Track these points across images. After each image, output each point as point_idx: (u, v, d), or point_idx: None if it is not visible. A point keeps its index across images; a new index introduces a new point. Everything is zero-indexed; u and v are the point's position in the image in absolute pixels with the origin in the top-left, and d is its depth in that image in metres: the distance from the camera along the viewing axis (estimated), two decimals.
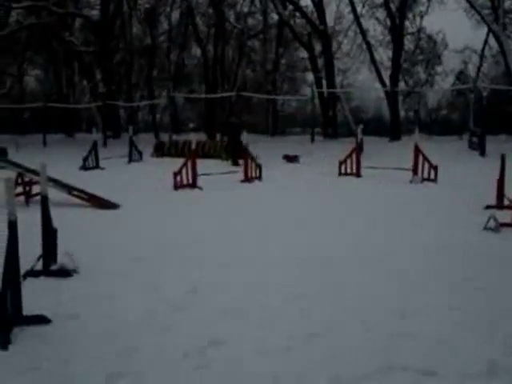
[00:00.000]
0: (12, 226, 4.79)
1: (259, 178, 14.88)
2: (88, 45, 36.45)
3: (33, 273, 6.12)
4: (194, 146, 14.15)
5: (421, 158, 14.43)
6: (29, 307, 4.97)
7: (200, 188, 13.43)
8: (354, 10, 32.46)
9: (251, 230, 8.96)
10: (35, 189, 11.40)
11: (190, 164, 13.65)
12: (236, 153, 18.51)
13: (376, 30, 34.98)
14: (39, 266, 6.28)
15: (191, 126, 42.48)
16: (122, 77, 38.55)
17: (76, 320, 5.08)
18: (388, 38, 33.45)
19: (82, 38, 38.58)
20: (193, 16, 35.26)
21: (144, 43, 39.24)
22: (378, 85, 33.53)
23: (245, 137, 15.15)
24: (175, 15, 40.27)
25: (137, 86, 41.16)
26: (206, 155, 20.22)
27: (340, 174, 15.37)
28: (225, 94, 34.11)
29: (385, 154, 20.32)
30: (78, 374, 4.08)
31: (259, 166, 14.94)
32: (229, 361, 4.27)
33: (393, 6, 30.65)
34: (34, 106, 35.76)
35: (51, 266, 6.33)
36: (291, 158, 19.55)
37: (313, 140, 27.20)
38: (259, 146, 18.64)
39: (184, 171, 13.50)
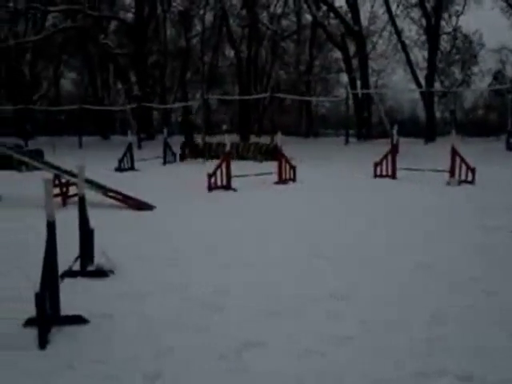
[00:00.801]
0: (50, 227, 4.82)
1: (293, 179, 14.82)
2: (122, 47, 36.82)
3: (70, 273, 6.17)
4: (228, 148, 14.11)
5: (458, 160, 14.23)
6: (66, 307, 5.00)
7: (234, 189, 13.43)
8: (388, 9, 32.24)
9: (286, 231, 8.92)
10: (71, 190, 11.55)
11: (224, 165, 13.65)
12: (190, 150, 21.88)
13: (411, 30, 34.83)
14: (76, 266, 6.33)
15: (224, 127, 42.68)
16: (156, 79, 38.83)
17: (112, 320, 5.09)
18: (423, 38, 33.14)
19: (117, 41, 39.00)
20: (226, 18, 35.34)
21: (178, 45, 39.48)
22: (413, 85, 33.26)
23: (279, 138, 15.11)
24: (209, 17, 40.48)
25: (170, 88, 41.41)
26: (240, 157, 20.27)
27: (375, 175, 15.24)
28: (258, 96, 34.13)
29: (420, 155, 20.14)
30: (115, 375, 4.08)
31: (293, 168, 14.88)
32: (265, 363, 4.23)
33: (428, 6, 30.35)
34: (69, 109, 36.19)
35: (88, 266, 6.38)
36: None
37: (347, 141, 27.04)
38: (294, 148, 18.59)
39: (218, 173, 13.51)
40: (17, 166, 17.67)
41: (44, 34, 36.32)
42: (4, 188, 12.57)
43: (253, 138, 31.29)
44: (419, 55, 34.55)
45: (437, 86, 33.18)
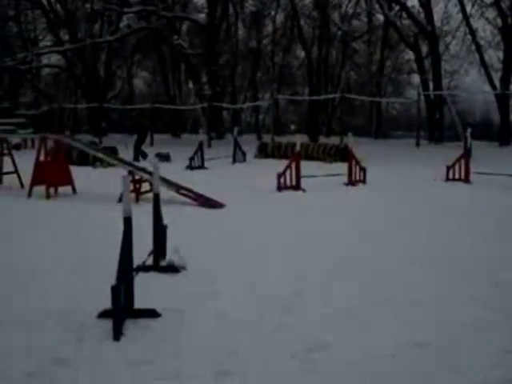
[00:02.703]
0: (127, 223, 4.94)
1: (363, 181, 14.68)
2: (194, 47, 37.35)
3: (144, 268, 6.30)
4: (298, 148, 14.09)
5: None
6: (139, 301, 5.11)
7: (303, 190, 13.40)
8: (463, 9, 31.52)
9: (356, 232, 8.85)
10: (144, 186, 11.79)
11: (293, 166, 13.63)
12: (137, 149, 21.53)
13: (486, 30, 33.83)
14: (149, 261, 6.46)
15: (293, 127, 42.73)
16: (226, 79, 39.20)
17: (184, 316, 5.16)
18: (498, 38, 32.24)
19: (189, 41, 39.58)
20: (298, 18, 35.36)
21: (249, 46, 39.76)
22: (487, 87, 32.43)
23: (350, 139, 14.99)
24: (280, 18, 40.66)
25: (241, 87, 41.73)
26: (309, 157, 20.21)
27: (448, 179, 14.92)
28: (328, 96, 34.00)
29: (494, 159, 19.63)
30: (186, 371, 4.13)
31: (364, 170, 14.74)
32: (335, 365, 4.20)
33: (504, 5, 29.46)
34: (142, 107, 36.87)
35: (160, 261, 6.50)
36: (163, 157, 20.56)
37: (418, 144, 26.60)
38: (363, 150, 18.36)
39: (288, 173, 13.51)
40: (92, 162, 18.19)
41: (119, 35, 37.24)
42: (80, 183, 12.96)
43: (322, 139, 31.18)
44: (494, 56, 33.69)
45: None
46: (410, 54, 37.12)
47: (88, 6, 36.73)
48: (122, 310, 4.82)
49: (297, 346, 4.50)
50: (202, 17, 38.44)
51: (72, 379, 4.00)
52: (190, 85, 41.92)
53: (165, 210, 6.88)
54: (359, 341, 4.62)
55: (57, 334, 4.74)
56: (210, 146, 28.12)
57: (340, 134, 27.56)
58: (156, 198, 6.51)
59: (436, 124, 30.88)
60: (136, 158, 20.95)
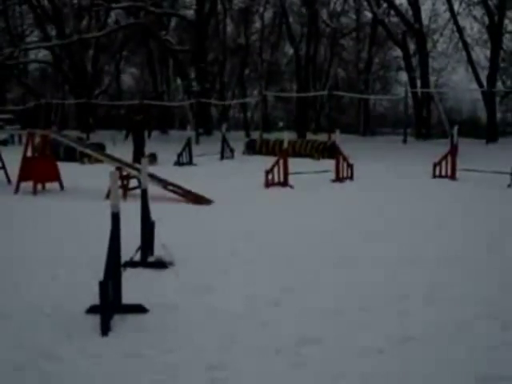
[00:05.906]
0: (115, 218, 4.95)
1: (351, 177, 14.75)
2: (183, 44, 37.29)
3: (131, 263, 6.31)
4: (286, 145, 14.13)
5: None
6: (127, 296, 5.13)
7: (291, 186, 13.45)
8: (450, 7, 31.74)
9: (345, 230, 8.87)
10: (131, 183, 11.78)
11: (281, 162, 13.68)
12: (137, 149, 19.42)
13: (473, 28, 34.09)
14: (137, 257, 6.48)
15: (281, 124, 42.78)
16: (214, 75, 39.18)
17: (172, 311, 5.19)
18: (485, 36, 32.49)
19: (177, 37, 39.53)
20: (286, 15, 35.40)
21: (237, 42, 39.77)
22: (474, 85, 32.66)
23: (337, 136, 15.05)
24: (268, 14, 40.72)
25: (229, 84, 41.71)
26: (297, 154, 20.27)
27: (434, 176, 15.01)
28: (316, 93, 34.08)
29: (481, 156, 19.78)
30: (175, 363, 4.15)
31: (351, 166, 14.81)
32: (323, 360, 4.24)
33: (491, 4, 29.68)
34: (130, 103, 36.77)
35: (148, 257, 6.52)
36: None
37: (405, 141, 26.72)
38: (351, 146, 18.45)
39: (275, 169, 13.55)
40: (79, 158, 18.14)
41: (107, 30, 37.12)
42: (67, 179, 12.93)
43: (309, 136, 31.25)
44: (481, 54, 33.95)
45: (499, 86, 32.45)
46: (397, 52, 37.29)
47: (75, 1, 36.56)
48: (110, 306, 4.83)
49: (285, 341, 4.53)
50: (190, 13, 38.40)
51: (61, 373, 4.02)
52: (179, 81, 41.86)
53: (153, 206, 6.89)
54: (347, 337, 4.65)
55: (45, 328, 4.76)
56: (198, 142, 28.11)
57: (328, 130, 27.64)
58: (144, 193, 6.52)
59: (423, 121, 31.04)
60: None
